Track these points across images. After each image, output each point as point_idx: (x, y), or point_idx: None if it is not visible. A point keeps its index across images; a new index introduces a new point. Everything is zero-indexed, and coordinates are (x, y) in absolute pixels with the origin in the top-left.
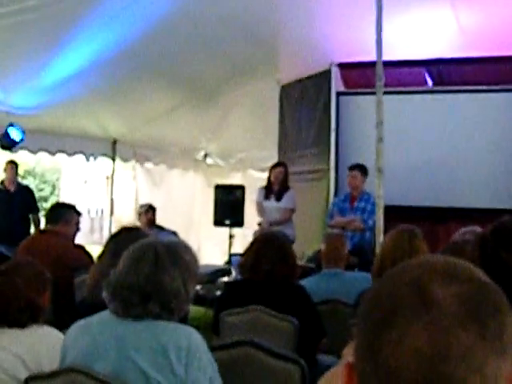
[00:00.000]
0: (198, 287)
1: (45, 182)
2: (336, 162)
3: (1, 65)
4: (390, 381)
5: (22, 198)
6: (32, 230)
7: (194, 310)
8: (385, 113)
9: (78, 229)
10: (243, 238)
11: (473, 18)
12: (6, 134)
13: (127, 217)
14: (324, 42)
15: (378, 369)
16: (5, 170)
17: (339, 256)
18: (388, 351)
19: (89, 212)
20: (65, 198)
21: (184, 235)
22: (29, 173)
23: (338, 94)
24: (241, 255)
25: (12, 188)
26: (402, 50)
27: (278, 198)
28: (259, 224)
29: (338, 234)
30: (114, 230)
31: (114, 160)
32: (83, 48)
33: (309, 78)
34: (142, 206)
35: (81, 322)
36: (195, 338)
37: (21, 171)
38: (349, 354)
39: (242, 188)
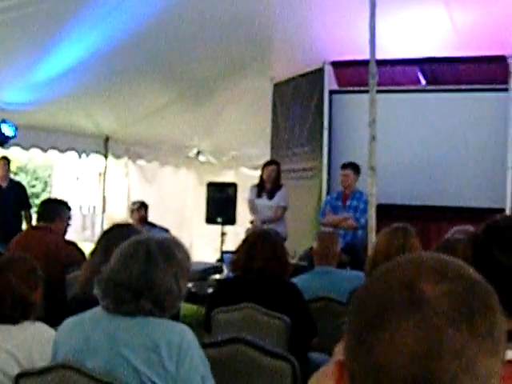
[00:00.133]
0: (190, 284)
1: (37, 179)
2: (328, 161)
3: None
4: (381, 379)
5: (14, 195)
6: (24, 226)
7: (186, 307)
8: (378, 111)
9: (68, 224)
10: (235, 235)
11: (466, 18)
12: None
13: (119, 214)
14: (317, 40)
15: (368, 367)
16: None
17: (331, 254)
18: (379, 350)
19: (81, 209)
20: (57, 195)
21: (176, 232)
22: (21, 169)
23: (331, 92)
24: (233, 253)
25: (4, 184)
26: (395, 48)
27: (271, 196)
28: (251, 222)
29: (330, 232)
30: (106, 227)
31: (106, 157)
32: (76, 45)
33: (302, 76)
34: (134, 203)
35: (72, 319)
36: (187, 335)
37: (13, 167)
38: (340, 351)
39: (234, 186)
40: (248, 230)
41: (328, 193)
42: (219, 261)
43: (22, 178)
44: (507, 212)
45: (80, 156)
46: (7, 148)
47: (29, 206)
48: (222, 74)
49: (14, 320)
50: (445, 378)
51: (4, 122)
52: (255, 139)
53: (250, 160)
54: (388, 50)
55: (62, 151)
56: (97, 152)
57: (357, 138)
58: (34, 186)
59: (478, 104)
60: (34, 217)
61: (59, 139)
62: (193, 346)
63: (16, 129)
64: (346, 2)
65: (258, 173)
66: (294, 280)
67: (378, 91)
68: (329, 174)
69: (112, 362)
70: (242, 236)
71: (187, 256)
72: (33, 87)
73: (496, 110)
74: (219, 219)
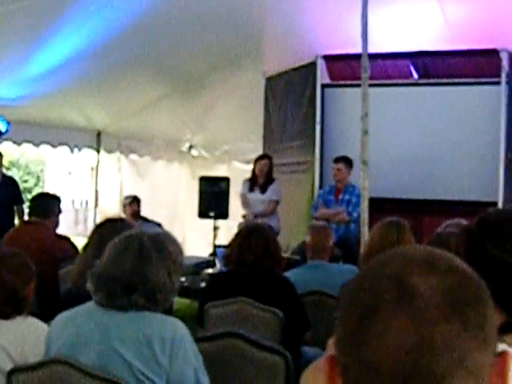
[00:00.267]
0: (183, 279)
1: (29, 174)
2: (321, 154)
3: None
4: (373, 374)
5: (6, 190)
6: (16, 221)
7: (179, 301)
8: (370, 105)
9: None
10: (228, 229)
11: (458, 11)
12: None
13: (112, 208)
14: (309, 34)
15: (360, 361)
16: None
17: (324, 248)
18: (370, 344)
19: (73, 203)
20: (49, 190)
21: (169, 227)
22: (13, 164)
23: (324, 86)
24: (225, 247)
25: None
26: (387, 42)
27: (263, 191)
28: (244, 216)
29: (322, 225)
30: (99, 221)
31: (98, 152)
32: (68, 39)
33: (294, 70)
34: (126, 198)
35: (65, 313)
36: (180, 329)
37: (5, 162)
38: (333, 345)
39: (226, 180)
40: (240, 224)
41: (320, 187)
42: (212, 255)
43: (14, 173)
44: (500, 205)
45: (72, 151)
46: None
47: (21, 201)
48: (214, 68)
49: (6, 315)
50: (437, 372)
51: None
52: (248, 133)
53: (243, 154)
54: (380, 44)
55: (54, 146)
56: (89, 147)
57: (349, 131)
58: (26, 181)
59: (469, 97)
60: (27, 212)
61: (51, 134)
62: (186, 340)
63: (8, 124)
64: None
65: (251, 167)
66: (287, 274)
67: (370, 85)
68: (321, 167)
69: (105, 357)
70: (235, 230)
71: (180, 250)
72: (24, 82)
73: (488, 104)
74: (212, 213)
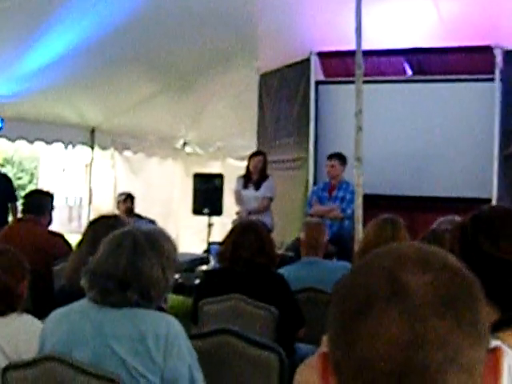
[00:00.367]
0: (177, 275)
1: (23, 171)
2: (315, 151)
3: None
4: (366, 371)
5: (0, 187)
6: (10, 218)
7: (173, 298)
8: (364, 102)
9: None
10: (222, 226)
11: (452, 8)
12: None
13: (106, 205)
14: (303, 30)
15: (352, 358)
16: None
17: (318, 244)
18: (362, 341)
19: (67, 200)
20: (43, 187)
21: (163, 223)
22: (7, 161)
23: (318, 82)
24: (219, 244)
25: None
26: (381, 39)
27: (257, 187)
28: (237, 213)
29: (317, 222)
30: (93, 218)
31: (92, 148)
32: (61, 36)
33: (288, 66)
34: (120, 195)
35: (59, 310)
36: (174, 326)
37: None
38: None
39: (220, 177)
40: (234, 220)
41: (314, 183)
42: (206, 252)
43: (8, 170)
44: (493, 202)
45: (66, 147)
46: None
47: (15, 199)
48: (208, 64)
49: (0, 312)
50: (430, 368)
51: None
52: (241, 130)
53: (237, 151)
54: (374, 41)
55: (48, 143)
56: (83, 143)
57: (343, 128)
58: (20, 178)
59: (464, 94)
60: (20, 209)
61: (45, 131)
62: (180, 337)
63: (2, 120)
64: None
65: (245, 164)
66: (281, 271)
67: (365, 82)
68: (315, 164)
69: (99, 354)
70: (229, 227)
71: (174, 247)
72: (18, 79)
73: (482, 100)
74: (206, 210)
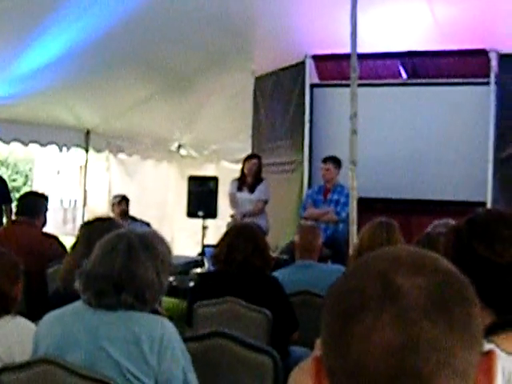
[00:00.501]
0: (171, 278)
1: (17, 173)
2: (310, 154)
3: None
4: (359, 375)
5: None
6: (4, 220)
7: (167, 301)
8: (359, 105)
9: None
10: (216, 229)
11: (448, 11)
12: None
13: (100, 208)
14: (299, 33)
15: (345, 362)
16: None
17: (313, 248)
18: (355, 344)
19: (62, 203)
20: (38, 189)
21: (157, 226)
22: (2, 163)
23: (312, 85)
24: (214, 246)
25: None
26: (376, 42)
27: (251, 190)
28: (232, 216)
29: (312, 225)
30: (86, 220)
31: (87, 151)
32: (57, 38)
33: (283, 69)
34: (115, 197)
35: (53, 313)
36: (168, 329)
37: None
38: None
39: (215, 179)
40: (229, 223)
41: (309, 186)
42: (200, 254)
43: (2, 172)
44: (488, 205)
45: (61, 150)
46: None
47: (10, 200)
48: (203, 67)
49: None
50: (423, 371)
51: None
52: (236, 133)
53: (232, 154)
54: (369, 44)
55: (42, 145)
56: (78, 146)
57: (338, 131)
58: (15, 180)
59: (459, 97)
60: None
61: (40, 133)
62: (174, 340)
63: None
64: None
65: (240, 166)
66: (276, 274)
67: (359, 85)
68: (310, 167)
69: (93, 356)
70: (224, 230)
71: (168, 250)
72: (13, 81)
73: (477, 104)
74: (200, 213)
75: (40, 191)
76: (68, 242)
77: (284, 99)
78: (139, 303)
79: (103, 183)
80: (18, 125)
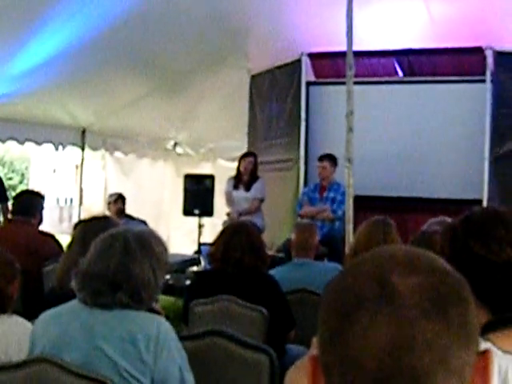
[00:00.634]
0: (168, 276)
1: (13, 171)
2: (306, 152)
3: None
4: (355, 374)
5: None
6: (0, 219)
7: (163, 299)
8: (355, 103)
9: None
10: (213, 227)
11: (444, 9)
12: None
13: (97, 206)
14: (294, 31)
15: (342, 361)
16: None
17: (309, 246)
18: (351, 344)
19: (58, 201)
20: (34, 187)
21: (153, 225)
22: None
23: (308, 83)
24: (210, 245)
25: None
26: (372, 40)
27: (247, 188)
28: (228, 214)
29: (308, 223)
30: (82, 218)
31: (83, 149)
32: (53, 37)
33: (279, 67)
34: (111, 196)
35: (50, 312)
36: (164, 327)
37: None
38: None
39: (211, 178)
40: (225, 222)
41: (305, 184)
42: (197, 253)
43: None
44: (484, 203)
45: (57, 148)
46: None
47: (6, 199)
48: (198, 65)
49: None
50: (418, 370)
51: None
52: (232, 131)
53: (228, 152)
54: (365, 42)
55: (38, 143)
56: (74, 144)
57: (334, 129)
58: (10, 179)
59: (454, 95)
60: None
61: (36, 131)
62: (170, 338)
63: None
64: None
65: (236, 165)
66: (272, 272)
67: (355, 83)
68: (306, 165)
69: (89, 355)
70: (220, 228)
71: (165, 248)
72: (9, 79)
73: (473, 101)
74: (196, 211)
75: (36, 190)
76: (64, 240)
77: (280, 97)
78: (135, 302)
79: (99, 182)
80: (14, 123)
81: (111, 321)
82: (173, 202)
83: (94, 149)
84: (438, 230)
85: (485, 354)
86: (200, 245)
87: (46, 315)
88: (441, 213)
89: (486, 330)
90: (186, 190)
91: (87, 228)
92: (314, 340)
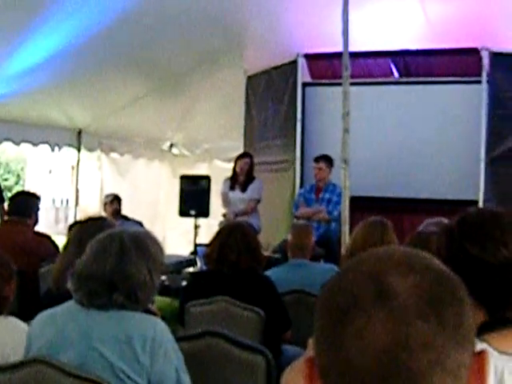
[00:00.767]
0: (164, 277)
1: (9, 172)
2: (302, 153)
3: None
4: (351, 374)
5: None
6: None
7: (160, 300)
8: (351, 104)
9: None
10: (209, 228)
11: (440, 10)
12: None
13: (92, 207)
14: (291, 32)
15: (338, 362)
16: None
17: (305, 247)
18: (347, 344)
19: (54, 202)
20: (30, 188)
21: (149, 225)
22: None
23: (304, 84)
24: (206, 246)
25: None
26: (368, 41)
27: (244, 189)
28: (224, 215)
29: (304, 224)
30: (78, 219)
31: (79, 150)
32: (49, 37)
33: (275, 68)
34: (107, 196)
35: (46, 313)
36: (160, 328)
37: None
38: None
39: (207, 178)
40: (221, 222)
41: (301, 185)
42: (193, 254)
43: None
44: (480, 204)
45: (53, 149)
46: None
47: (2, 200)
48: (195, 66)
49: None
50: (414, 371)
51: None
52: (228, 132)
53: (224, 153)
54: (361, 43)
55: (34, 144)
56: (69, 145)
57: (330, 130)
58: (6, 180)
59: (451, 96)
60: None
61: (32, 132)
62: (166, 339)
63: None
64: None
65: (232, 165)
66: (268, 273)
67: (351, 83)
68: (302, 166)
69: (85, 356)
70: (216, 229)
71: (160, 249)
72: (5, 80)
73: (469, 102)
74: (193, 212)
75: (32, 191)
76: (60, 241)
77: (276, 98)
78: (131, 303)
79: (95, 182)
80: (10, 124)
81: (107, 322)
82: (169, 203)
83: (90, 150)
84: (434, 230)
85: (481, 354)
86: (196, 246)
87: (42, 316)
88: (437, 213)
89: (483, 331)
90: (181, 191)
91: (83, 229)
92: (310, 341)
